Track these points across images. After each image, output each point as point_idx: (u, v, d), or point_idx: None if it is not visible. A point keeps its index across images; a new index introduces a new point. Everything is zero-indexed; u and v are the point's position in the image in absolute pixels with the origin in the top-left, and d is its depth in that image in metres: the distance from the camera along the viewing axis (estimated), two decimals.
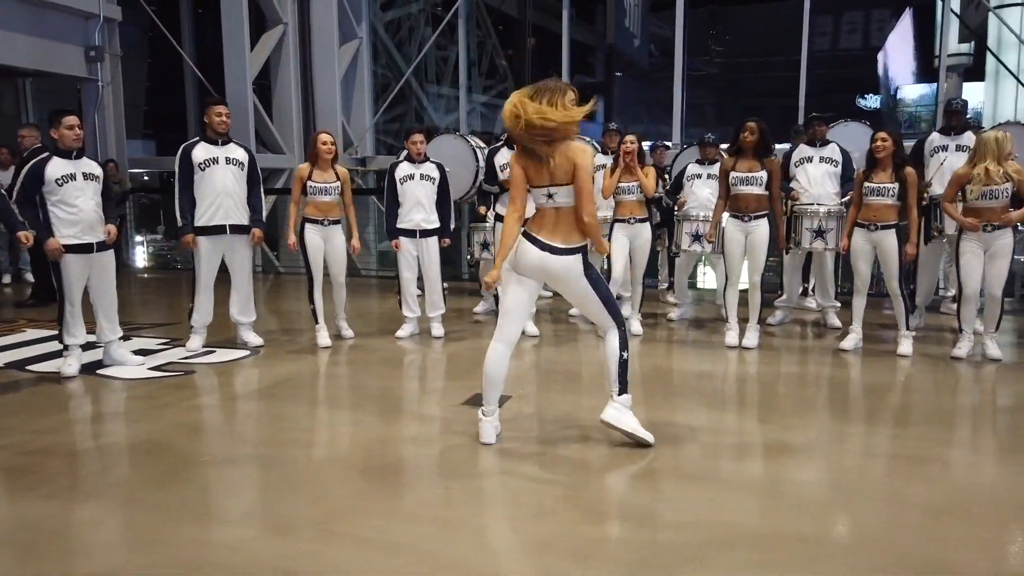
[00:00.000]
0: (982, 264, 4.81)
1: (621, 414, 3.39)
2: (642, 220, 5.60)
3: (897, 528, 2.69)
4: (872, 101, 25.43)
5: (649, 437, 3.39)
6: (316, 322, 5.53)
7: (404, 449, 3.55)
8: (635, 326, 5.81)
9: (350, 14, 10.66)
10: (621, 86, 24.09)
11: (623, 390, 3.40)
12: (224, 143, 5.20)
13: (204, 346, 5.32)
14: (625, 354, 3.39)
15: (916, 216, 4.99)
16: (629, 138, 5.54)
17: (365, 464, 3.36)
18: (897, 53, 23.16)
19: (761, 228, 5.17)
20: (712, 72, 28.92)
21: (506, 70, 18.80)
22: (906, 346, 5.09)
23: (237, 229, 5.24)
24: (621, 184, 5.53)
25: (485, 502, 2.94)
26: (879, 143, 4.95)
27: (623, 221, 5.58)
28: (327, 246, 5.47)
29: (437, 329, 5.81)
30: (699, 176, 6.09)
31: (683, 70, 9.54)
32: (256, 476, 3.25)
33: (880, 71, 24.60)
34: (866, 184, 5.01)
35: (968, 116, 6.27)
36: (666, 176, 6.98)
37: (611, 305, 3.39)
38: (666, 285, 6.99)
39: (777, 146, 5.37)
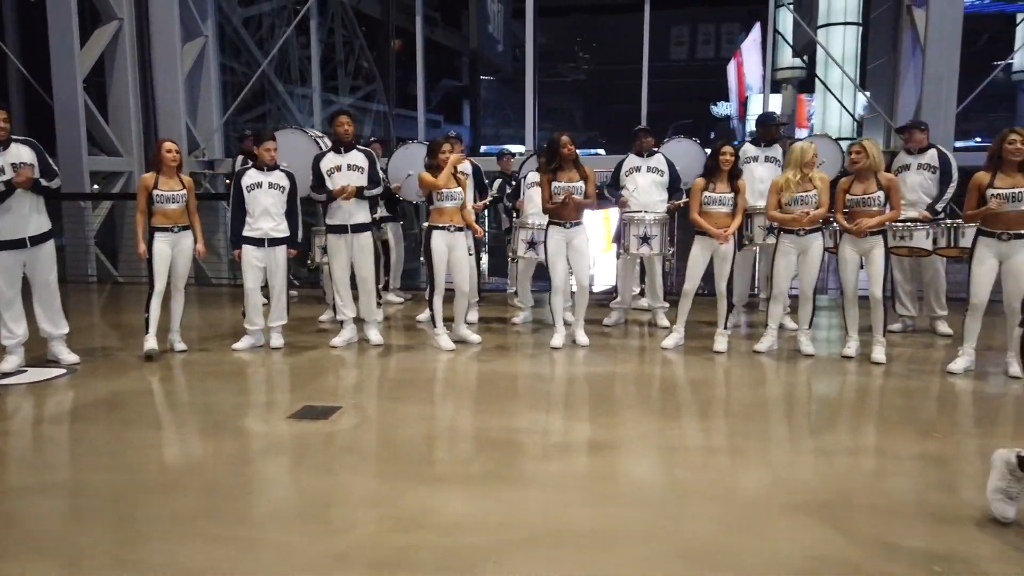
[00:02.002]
0: (794, 266, 5.28)
1: None
2: (460, 229, 5.59)
3: (691, 519, 2.88)
4: (723, 109, 27.10)
5: None
6: (147, 331, 5.33)
7: (216, 468, 3.46)
8: (471, 336, 5.90)
9: (194, 11, 10.20)
10: (488, 90, 24.39)
11: None
12: (4, 148, 4.83)
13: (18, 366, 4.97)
14: None
15: (740, 221, 5.45)
16: (447, 146, 5.61)
17: (171, 486, 3.25)
18: (746, 64, 24.73)
19: (581, 234, 5.52)
20: (579, 78, 29.83)
21: (373, 72, 18.54)
22: (722, 343, 5.48)
23: (35, 240, 4.94)
24: (443, 191, 5.57)
25: (291, 518, 2.92)
26: (728, 156, 5.31)
27: (443, 228, 5.54)
28: (174, 251, 5.37)
29: (277, 339, 5.69)
30: (538, 184, 6.27)
31: (534, 77, 9.77)
32: (50, 506, 3.07)
33: (731, 81, 26.20)
34: (707, 194, 5.36)
35: (782, 128, 6.79)
36: (512, 183, 7.15)
37: None
38: (514, 290, 7.13)
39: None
